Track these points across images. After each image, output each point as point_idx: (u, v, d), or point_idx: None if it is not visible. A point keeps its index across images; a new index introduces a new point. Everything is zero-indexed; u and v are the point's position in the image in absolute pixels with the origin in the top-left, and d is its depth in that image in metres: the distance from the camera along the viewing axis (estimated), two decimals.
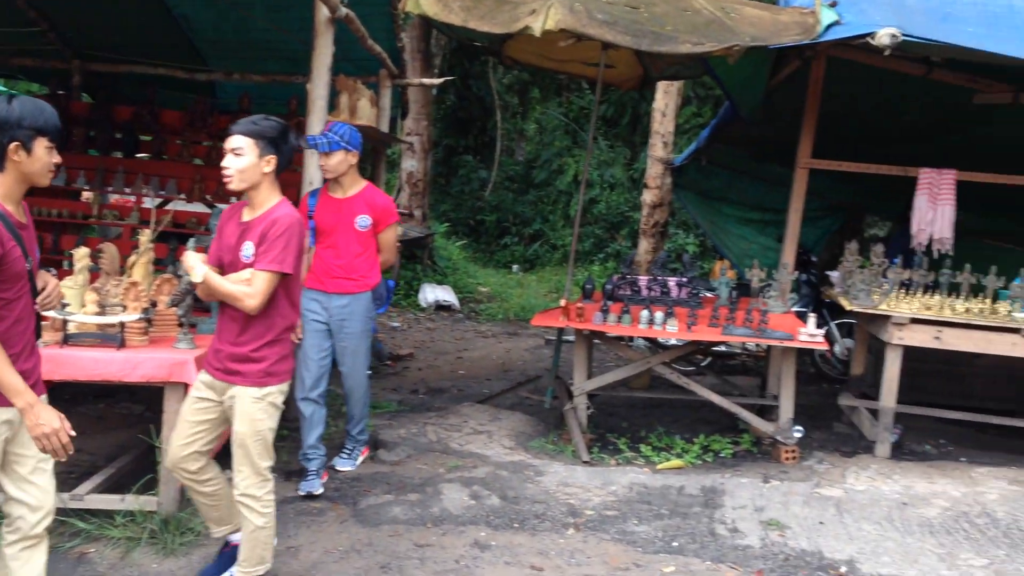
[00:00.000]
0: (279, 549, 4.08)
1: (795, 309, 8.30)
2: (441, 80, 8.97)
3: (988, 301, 5.94)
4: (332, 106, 5.77)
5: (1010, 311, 5.86)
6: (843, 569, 4.26)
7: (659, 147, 10.65)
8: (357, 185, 4.99)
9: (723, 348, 8.49)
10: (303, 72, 5.78)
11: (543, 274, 16.38)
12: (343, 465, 5.23)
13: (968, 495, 5.13)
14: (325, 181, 5.04)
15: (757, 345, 7.53)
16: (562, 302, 5.88)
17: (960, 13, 5.38)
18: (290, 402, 4.31)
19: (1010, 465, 5.76)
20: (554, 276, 15.77)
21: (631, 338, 7.32)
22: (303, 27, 5.64)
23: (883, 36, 4.80)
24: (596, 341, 6.23)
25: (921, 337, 5.77)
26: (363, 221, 4.93)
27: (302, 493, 4.79)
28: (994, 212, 8.23)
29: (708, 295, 6.74)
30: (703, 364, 8.37)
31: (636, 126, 18.02)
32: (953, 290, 6.09)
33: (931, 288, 6.17)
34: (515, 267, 17.08)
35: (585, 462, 5.60)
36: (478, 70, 19.21)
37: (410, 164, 13.46)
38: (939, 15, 5.35)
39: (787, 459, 5.71)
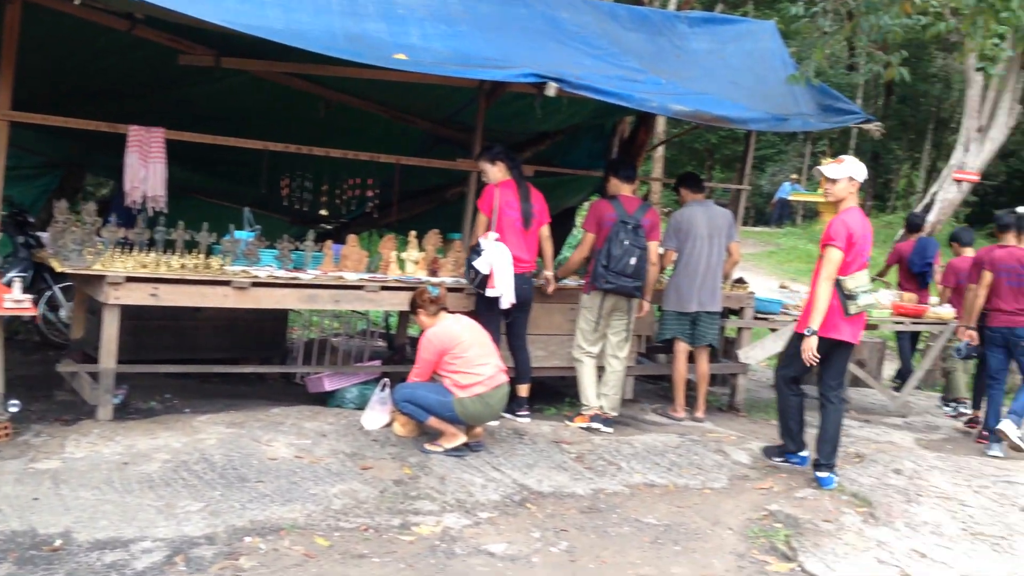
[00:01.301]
0: None
1: (14, 274, 7.66)
2: None
3: (202, 256, 6.18)
4: None
5: (222, 265, 6.20)
6: (58, 542, 4.05)
7: None
8: None
9: None
10: None
11: None
12: None
13: (189, 444, 5.32)
14: None
15: None
16: None
17: None
18: None
19: (229, 410, 6.15)
20: None
21: None
22: None
23: None
24: None
25: (138, 295, 5.75)
26: None
27: None
28: (207, 170, 8.63)
29: None
30: None
31: None
32: (169, 247, 6.19)
33: (151, 246, 6.18)
34: None
35: None
36: None
37: None
38: None
39: (1, 437, 5.22)
